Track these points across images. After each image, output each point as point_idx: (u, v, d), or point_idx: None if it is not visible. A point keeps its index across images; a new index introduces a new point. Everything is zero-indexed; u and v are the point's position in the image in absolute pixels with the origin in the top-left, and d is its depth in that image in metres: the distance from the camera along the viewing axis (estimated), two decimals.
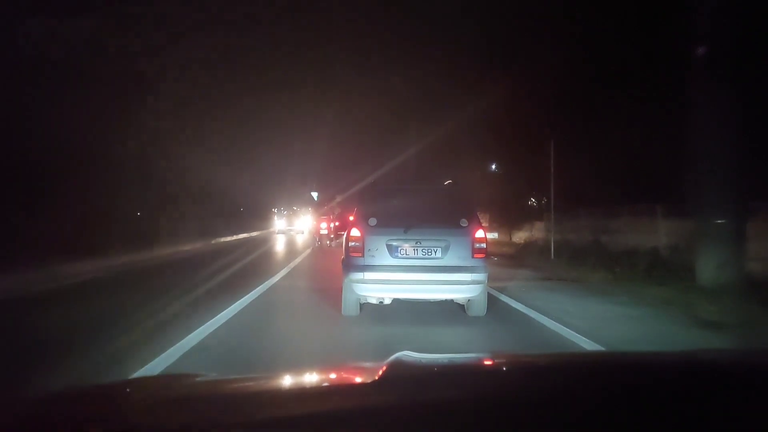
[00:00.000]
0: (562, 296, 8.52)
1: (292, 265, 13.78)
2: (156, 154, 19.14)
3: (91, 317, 6.64)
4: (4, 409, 1.27)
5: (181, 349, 4.82)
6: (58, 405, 1.28)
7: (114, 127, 15.73)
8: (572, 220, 18.08)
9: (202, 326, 5.72)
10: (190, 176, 22.76)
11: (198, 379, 1.50)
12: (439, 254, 6.24)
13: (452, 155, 24.05)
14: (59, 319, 6.49)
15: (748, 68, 8.78)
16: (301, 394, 1.35)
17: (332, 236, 21.89)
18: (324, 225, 23.08)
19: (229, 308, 6.84)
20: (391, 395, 1.17)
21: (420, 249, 6.24)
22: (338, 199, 25.12)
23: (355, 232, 6.35)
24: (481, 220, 7.00)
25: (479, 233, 6.33)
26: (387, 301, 6.50)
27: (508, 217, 24.87)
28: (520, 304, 7.50)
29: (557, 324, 6.12)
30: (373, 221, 6.37)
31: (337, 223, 21.54)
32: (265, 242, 29.98)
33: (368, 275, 6.18)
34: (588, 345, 5.20)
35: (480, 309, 6.49)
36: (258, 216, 50.98)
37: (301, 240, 32.03)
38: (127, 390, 1.55)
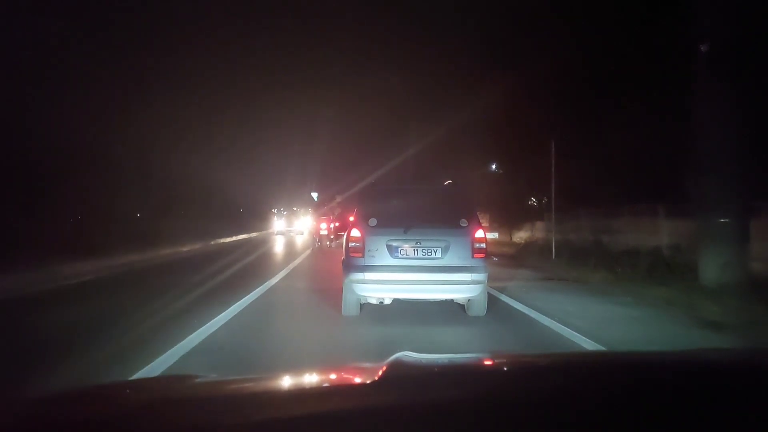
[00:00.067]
0: (562, 296, 8.51)
1: (291, 266, 13.77)
2: (156, 155, 19.16)
3: (90, 317, 6.64)
4: (4, 409, 1.27)
5: (181, 350, 4.82)
6: (58, 405, 1.27)
7: (114, 128, 15.74)
8: (573, 219, 18.08)
9: (202, 327, 5.72)
10: (190, 177, 22.78)
11: (198, 380, 1.50)
12: (439, 254, 6.24)
13: (452, 155, 24.08)
14: (59, 320, 6.49)
15: (750, 66, 8.73)
16: (301, 394, 1.35)
17: (332, 237, 21.87)
18: (324, 225, 23.04)
19: (229, 309, 6.84)
20: (391, 395, 1.17)
21: (420, 249, 6.25)
22: (338, 199, 25.11)
23: (355, 233, 6.35)
24: (481, 220, 7.00)
25: (479, 233, 6.33)
26: (387, 302, 6.50)
27: (508, 217, 24.87)
28: (520, 304, 7.49)
29: (558, 324, 6.11)
30: (373, 222, 6.38)
31: (337, 224, 21.53)
32: (264, 243, 29.98)
33: (368, 275, 6.19)
34: (589, 345, 5.19)
35: (480, 309, 6.50)
36: (258, 216, 51.02)
37: (300, 241, 32.01)
38: (127, 391, 1.55)
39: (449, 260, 6.22)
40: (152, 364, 4.33)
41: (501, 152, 23.70)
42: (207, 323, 5.91)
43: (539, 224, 22.49)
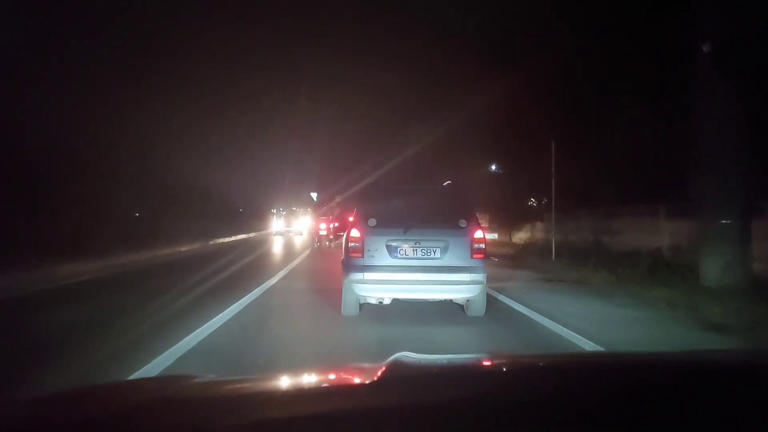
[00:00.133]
0: (562, 297, 8.49)
1: (290, 266, 13.77)
2: (155, 154, 19.17)
3: (89, 317, 6.63)
4: (4, 409, 1.27)
5: (179, 351, 4.81)
6: (56, 405, 1.27)
7: (113, 128, 15.75)
8: (573, 220, 18.08)
9: (201, 327, 5.71)
10: (189, 177, 22.79)
11: (197, 380, 1.49)
12: (438, 254, 6.25)
13: (452, 155, 24.08)
14: (57, 320, 6.49)
15: (751, 66, 8.71)
16: (300, 394, 1.35)
17: (331, 237, 21.87)
18: (323, 225, 23.04)
19: (228, 309, 6.84)
20: (391, 396, 1.16)
21: (419, 249, 6.25)
22: (337, 199, 25.10)
23: (354, 233, 6.36)
24: (481, 221, 7.00)
25: (478, 233, 6.34)
26: (386, 302, 6.51)
27: (508, 217, 24.87)
28: (519, 304, 7.48)
29: (558, 325, 6.10)
30: (372, 222, 6.38)
31: (336, 224, 21.51)
32: (263, 243, 29.98)
33: (368, 275, 6.19)
34: (589, 346, 5.17)
35: (479, 309, 6.50)
36: (257, 216, 51.04)
37: (299, 241, 32.01)
38: (126, 391, 1.55)
39: (448, 260, 6.23)
40: (150, 364, 4.33)
41: (501, 152, 23.71)
42: (205, 324, 5.90)
43: (539, 225, 22.49)
